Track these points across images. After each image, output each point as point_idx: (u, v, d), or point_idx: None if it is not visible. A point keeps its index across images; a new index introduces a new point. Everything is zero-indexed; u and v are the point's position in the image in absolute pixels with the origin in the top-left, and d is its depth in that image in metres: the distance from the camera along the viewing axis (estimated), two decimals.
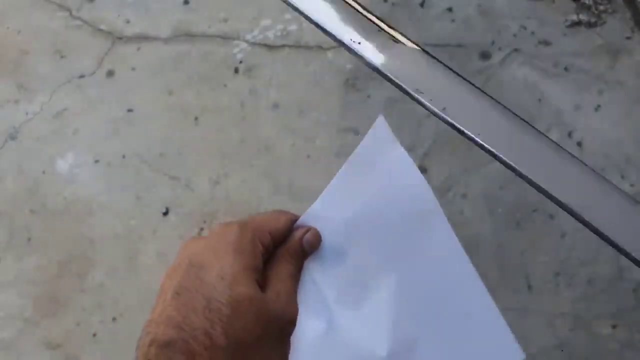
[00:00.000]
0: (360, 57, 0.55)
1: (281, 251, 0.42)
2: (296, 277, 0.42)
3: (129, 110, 1.23)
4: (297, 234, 0.44)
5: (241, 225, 0.40)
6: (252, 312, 0.36)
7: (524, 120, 0.53)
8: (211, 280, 0.37)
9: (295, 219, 0.45)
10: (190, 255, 0.39)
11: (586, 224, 0.49)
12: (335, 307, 0.45)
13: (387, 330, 0.46)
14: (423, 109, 1.29)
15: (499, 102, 0.53)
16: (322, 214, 0.46)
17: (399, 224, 0.49)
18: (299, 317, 0.41)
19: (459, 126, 0.56)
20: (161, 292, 0.39)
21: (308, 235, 0.44)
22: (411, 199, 0.50)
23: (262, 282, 0.39)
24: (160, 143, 1.19)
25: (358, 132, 1.18)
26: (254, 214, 0.44)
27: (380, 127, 0.52)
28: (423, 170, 1.14)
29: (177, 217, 1.11)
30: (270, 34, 1.29)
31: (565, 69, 1.21)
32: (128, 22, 1.33)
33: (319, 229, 0.45)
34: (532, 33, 1.25)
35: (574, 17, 1.26)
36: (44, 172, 1.18)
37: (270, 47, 1.28)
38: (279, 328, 0.38)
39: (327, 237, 0.46)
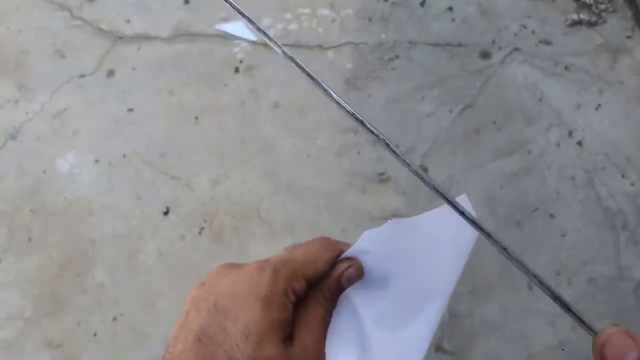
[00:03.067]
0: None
1: (315, 292, 0.39)
2: (327, 320, 0.39)
3: (130, 110, 1.23)
4: (337, 270, 0.40)
5: (275, 270, 0.37)
6: None
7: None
8: (235, 335, 0.34)
9: (339, 254, 0.41)
10: (217, 295, 0.36)
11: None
12: (372, 330, 0.43)
13: (423, 352, 0.43)
14: (424, 108, 1.30)
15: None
16: (369, 247, 0.43)
17: (439, 261, 0.46)
18: (330, 341, 0.39)
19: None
20: (184, 325, 0.36)
21: (350, 271, 0.41)
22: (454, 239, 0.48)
23: (290, 330, 0.37)
24: (160, 143, 1.19)
25: (358, 132, 1.18)
26: (296, 245, 0.40)
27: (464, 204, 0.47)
28: (423, 169, 1.14)
29: (178, 217, 1.12)
30: (270, 34, 1.29)
31: (566, 68, 1.21)
32: (128, 21, 1.33)
33: (361, 260, 0.42)
34: (533, 32, 1.25)
35: (575, 17, 1.26)
36: (44, 172, 1.18)
37: (270, 46, 1.28)
38: None
39: (369, 266, 0.43)
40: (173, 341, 0.36)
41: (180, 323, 0.36)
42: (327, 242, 0.41)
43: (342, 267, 0.40)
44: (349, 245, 0.42)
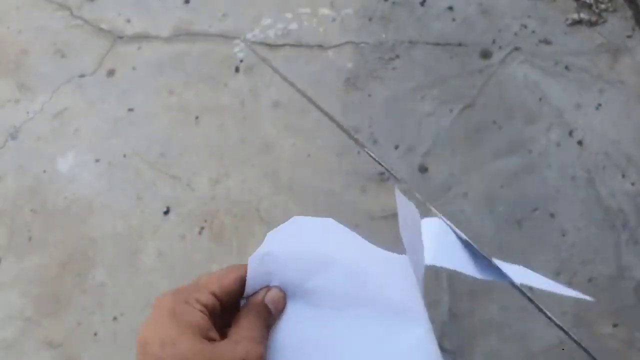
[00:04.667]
0: None
1: (242, 311, 0.41)
2: (263, 334, 0.40)
3: (130, 110, 1.23)
4: (260, 293, 0.42)
5: (175, 291, 0.40)
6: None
7: None
8: (155, 351, 0.37)
9: (244, 274, 0.43)
10: (139, 339, 0.39)
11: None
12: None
13: None
14: (424, 108, 1.30)
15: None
16: (273, 249, 0.43)
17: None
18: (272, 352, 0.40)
19: None
20: None
21: (271, 293, 0.42)
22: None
23: (212, 333, 0.39)
24: (160, 142, 1.19)
25: (358, 131, 1.18)
26: (205, 273, 0.42)
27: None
28: (424, 169, 1.14)
29: (178, 217, 1.12)
30: (271, 33, 1.29)
31: (566, 67, 1.21)
32: (129, 21, 1.33)
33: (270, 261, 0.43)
34: (533, 32, 1.25)
35: (575, 16, 1.26)
36: (44, 172, 1.18)
37: (271, 46, 1.28)
38: None
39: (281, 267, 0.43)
40: None
41: None
42: (235, 265, 0.42)
43: (263, 291, 0.42)
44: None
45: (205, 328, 0.39)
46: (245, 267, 0.42)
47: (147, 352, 0.37)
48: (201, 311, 0.39)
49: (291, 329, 0.43)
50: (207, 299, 0.40)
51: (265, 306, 0.42)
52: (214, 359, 0.37)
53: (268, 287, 0.43)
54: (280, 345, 0.42)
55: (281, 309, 0.43)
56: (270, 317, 0.42)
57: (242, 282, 0.42)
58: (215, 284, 0.41)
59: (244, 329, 0.39)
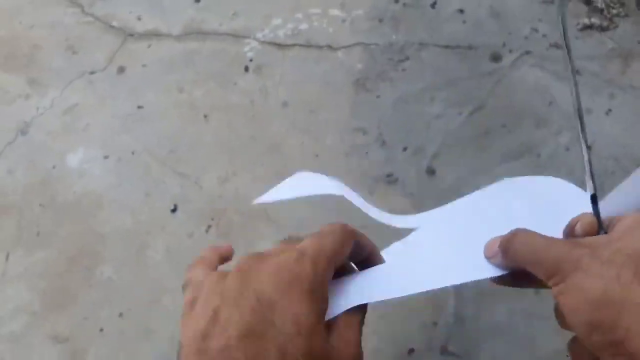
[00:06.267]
0: None
1: (348, 317, 0.40)
2: (364, 314, 0.40)
3: (139, 107, 1.24)
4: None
5: (314, 261, 0.37)
6: None
7: None
8: (285, 329, 0.34)
9: (357, 240, 0.41)
10: (257, 291, 0.35)
11: None
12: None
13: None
14: (433, 110, 1.30)
15: None
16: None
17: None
18: None
19: None
20: (216, 321, 0.35)
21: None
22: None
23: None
24: (169, 140, 1.20)
25: (367, 132, 1.18)
26: (316, 233, 0.39)
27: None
28: (431, 171, 1.14)
29: (186, 214, 1.12)
30: (280, 33, 1.29)
31: (577, 72, 1.21)
32: (140, 19, 1.33)
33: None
34: (544, 36, 1.24)
35: (586, 21, 1.25)
36: (54, 167, 1.19)
37: (280, 45, 1.28)
38: None
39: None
40: (201, 338, 0.34)
41: (209, 318, 0.35)
42: (348, 229, 0.41)
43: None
44: (364, 236, 0.43)
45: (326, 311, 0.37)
46: (354, 234, 0.41)
47: (272, 322, 0.33)
48: (327, 290, 0.37)
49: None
50: (331, 275, 0.38)
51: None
52: (326, 357, 0.35)
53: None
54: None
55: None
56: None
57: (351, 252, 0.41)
58: (340, 258, 0.39)
59: (351, 326, 0.39)
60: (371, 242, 0.43)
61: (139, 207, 1.13)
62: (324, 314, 0.36)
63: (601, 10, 1.26)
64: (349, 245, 0.40)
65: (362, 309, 0.41)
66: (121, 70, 1.28)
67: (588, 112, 1.17)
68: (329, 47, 1.27)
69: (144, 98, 1.25)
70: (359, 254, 0.42)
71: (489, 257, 0.44)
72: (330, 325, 0.37)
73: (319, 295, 0.36)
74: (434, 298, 1.05)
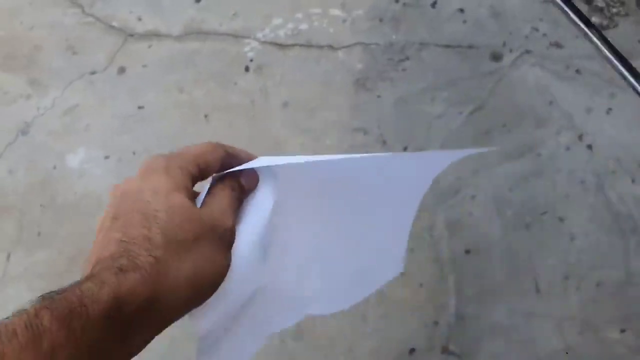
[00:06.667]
0: None
1: (218, 184, 0.43)
2: (232, 204, 0.42)
3: (140, 107, 1.24)
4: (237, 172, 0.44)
5: (169, 154, 0.42)
6: (186, 217, 0.37)
7: None
8: (146, 197, 0.38)
9: (229, 153, 0.44)
10: (122, 189, 0.40)
11: None
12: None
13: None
14: (434, 109, 1.30)
15: None
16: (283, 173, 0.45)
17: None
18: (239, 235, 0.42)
19: None
20: (99, 229, 0.40)
21: (248, 176, 0.44)
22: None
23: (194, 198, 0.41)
24: (170, 140, 1.20)
25: (367, 132, 1.18)
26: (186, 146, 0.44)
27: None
28: None
29: None
30: (281, 33, 1.29)
31: (577, 71, 1.21)
32: (140, 19, 1.33)
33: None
34: (544, 35, 1.24)
35: None
36: (54, 167, 1.19)
37: (281, 45, 1.28)
38: (216, 233, 0.39)
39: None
40: (97, 232, 0.40)
41: (103, 222, 0.40)
42: (217, 143, 0.45)
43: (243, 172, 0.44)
44: (241, 151, 0.46)
45: (191, 193, 0.41)
46: (224, 148, 0.44)
47: (135, 199, 0.38)
48: (190, 178, 0.41)
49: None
50: (194, 170, 0.42)
51: (239, 183, 0.43)
52: (196, 217, 0.38)
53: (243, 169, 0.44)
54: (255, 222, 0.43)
55: (254, 187, 0.45)
56: (242, 192, 0.44)
57: (222, 161, 0.44)
58: (201, 158, 0.43)
59: (216, 201, 0.41)
60: (248, 153, 0.45)
61: None
62: (185, 187, 0.40)
63: (601, 9, 1.26)
64: (216, 154, 0.45)
65: (234, 181, 0.43)
66: (121, 70, 1.28)
67: (588, 111, 1.17)
68: (330, 47, 1.27)
69: (144, 98, 1.25)
70: (235, 163, 0.43)
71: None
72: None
73: (174, 173, 0.40)
74: (434, 298, 1.05)
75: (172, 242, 0.36)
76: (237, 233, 0.41)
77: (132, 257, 0.35)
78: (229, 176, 0.43)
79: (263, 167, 0.44)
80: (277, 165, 0.44)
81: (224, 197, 0.41)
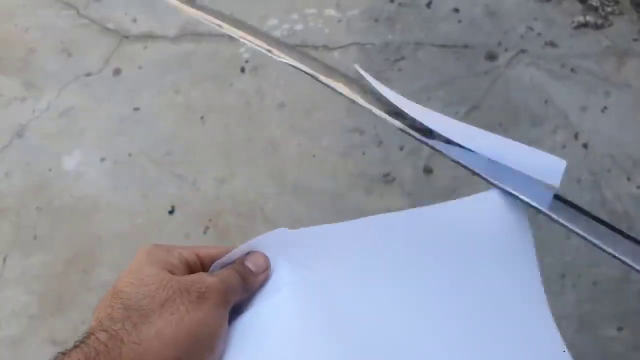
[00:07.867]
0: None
1: (224, 269, 0.42)
2: (230, 275, 0.41)
3: (136, 109, 1.24)
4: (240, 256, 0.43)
5: (159, 244, 0.42)
6: (156, 285, 0.38)
7: None
8: (122, 277, 0.39)
9: (232, 248, 0.43)
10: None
11: None
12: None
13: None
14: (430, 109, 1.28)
15: None
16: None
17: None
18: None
19: None
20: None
21: (253, 254, 0.43)
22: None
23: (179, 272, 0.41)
24: (166, 142, 1.20)
25: (363, 133, 1.18)
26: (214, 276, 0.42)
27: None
28: (429, 170, 1.14)
29: (183, 216, 1.12)
30: (277, 34, 1.29)
31: (572, 70, 1.21)
32: (135, 21, 1.33)
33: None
34: (539, 34, 1.25)
35: (581, 19, 1.25)
36: (50, 170, 1.19)
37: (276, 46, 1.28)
38: (192, 293, 0.38)
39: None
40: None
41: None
42: (220, 246, 0.44)
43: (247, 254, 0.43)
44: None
45: (179, 270, 0.40)
46: (230, 248, 0.43)
47: (115, 285, 0.39)
48: (179, 260, 0.41)
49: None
50: (189, 255, 0.42)
51: (244, 264, 0.42)
52: (168, 278, 0.38)
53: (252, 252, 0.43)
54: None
55: (263, 268, 0.43)
56: (249, 273, 0.42)
57: (214, 255, 0.43)
58: (202, 249, 0.43)
59: (215, 273, 0.41)
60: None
61: (136, 209, 1.13)
62: (165, 261, 0.40)
63: (596, 9, 1.26)
64: (221, 247, 0.44)
65: (237, 263, 0.42)
66: (117, 72, 1.28)
67: (583, 110, 1.18)
68: (325, 47, 1.27)
69: (140, 100, 1.24)
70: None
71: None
72: None
73: (158, 253, 0.40)
74: None
75: (135, 311, 0.36)
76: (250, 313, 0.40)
77: (90, 336, 0.35)
78: (234, 261, 0.42)
79: (274, 249, 0.42)
80: (291, 234, 0.43)
81: (221, 271, 0.41)
